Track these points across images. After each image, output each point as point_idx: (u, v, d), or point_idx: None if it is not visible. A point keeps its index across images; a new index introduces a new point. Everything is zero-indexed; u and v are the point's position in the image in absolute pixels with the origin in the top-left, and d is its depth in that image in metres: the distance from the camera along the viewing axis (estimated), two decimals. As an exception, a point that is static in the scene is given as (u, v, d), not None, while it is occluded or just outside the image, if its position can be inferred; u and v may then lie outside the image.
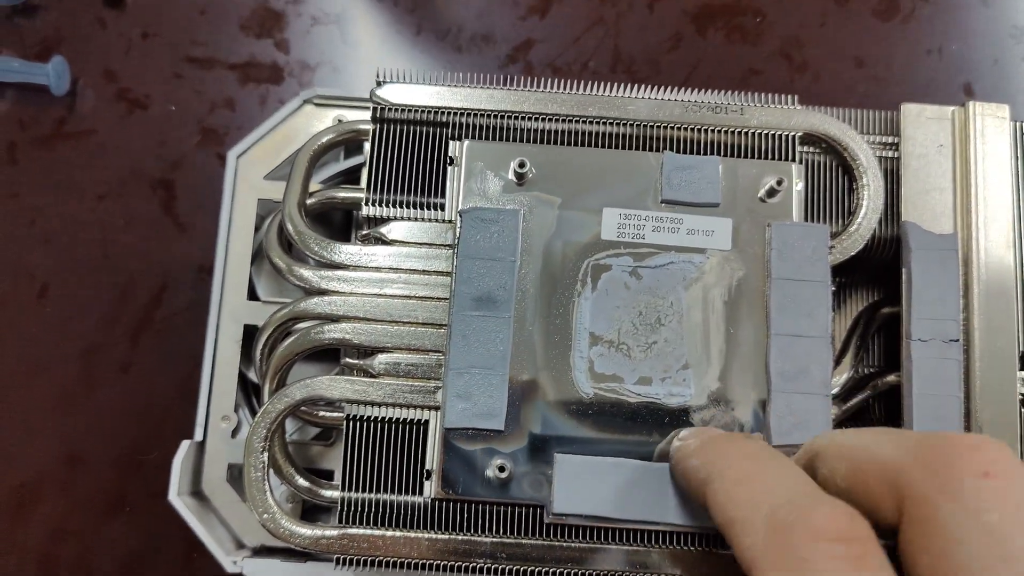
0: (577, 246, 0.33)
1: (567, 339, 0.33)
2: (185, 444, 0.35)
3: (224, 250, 0.38)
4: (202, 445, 0.37)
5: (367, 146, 0.35)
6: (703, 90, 0.36)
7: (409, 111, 0.35)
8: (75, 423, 0.43)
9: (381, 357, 0.33)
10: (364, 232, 0.35)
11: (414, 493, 0.32)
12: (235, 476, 0.37)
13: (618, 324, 0.33)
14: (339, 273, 0.34)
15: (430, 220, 0.34)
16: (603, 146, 0.35)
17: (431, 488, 0.32)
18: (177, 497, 0.34)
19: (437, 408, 0.32)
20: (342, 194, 0.36)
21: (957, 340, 0.33)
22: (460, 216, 0.33)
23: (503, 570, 0.31)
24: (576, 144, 0.35)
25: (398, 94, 0.35)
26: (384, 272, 0.34)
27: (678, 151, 0.35)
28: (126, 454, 0.43)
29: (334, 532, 0.32)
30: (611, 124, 0.35)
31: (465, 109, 0.35)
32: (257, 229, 0.39)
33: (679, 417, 0.32)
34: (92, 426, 0.43)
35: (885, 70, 0.46)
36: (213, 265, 0.38)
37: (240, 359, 0.38)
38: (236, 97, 0.46)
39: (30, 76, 0.45)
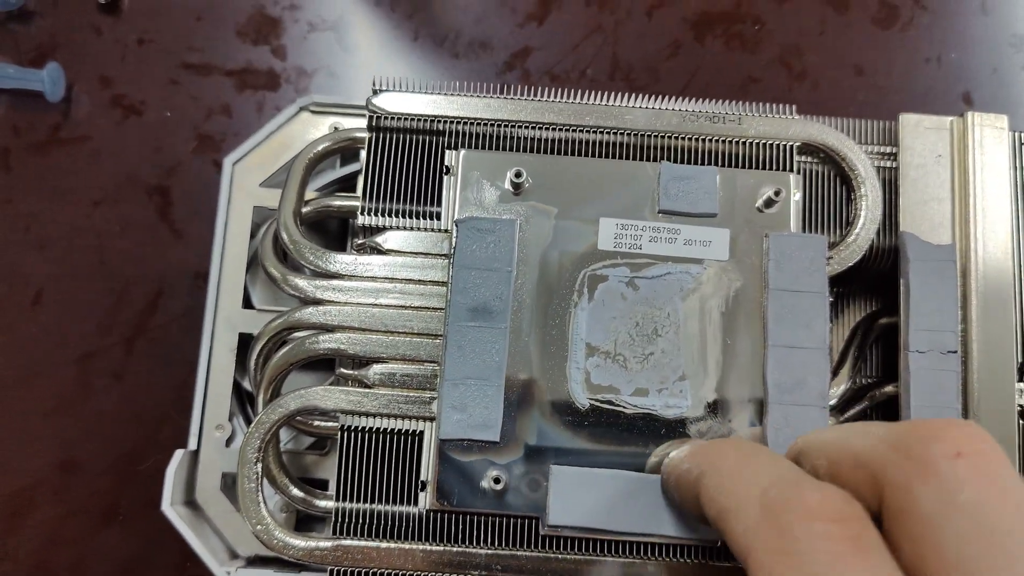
0: (574, 256, 0.33)
1: (563, 350, 0.32)
2: (179, 454, 0.35)
3: (219, 257, 0.38)
4: (196, 454, 0.37)
5: (363, 155, 0.35)
6: (702, 98, 0.35)
7: (405, 119, 0.35)
8: (69, 430, 0.43)
9: (376, 367, 0.33)
10: (360, 241, 0.35)
11: (409, 504, 0.32)
12: (229, 485, 0.37)
13: (615, 335, 0.33)
14: (334, 283, 0.33)
15: (426, 230, 0.34)
16: (600, 156, 0.34)
17: (426, 499, 0.32)
18: (170, 507, 0.34)
19: (432, 419, 0.32)
20: (338, 202, 0.36)
21: (955, 351, 0.33)
22: (456, 226, 0.33)
23: (498, 582, 0.31)
24: (573, 153, 0.34)
25: (394, 102, 0.35)
26: (380, 282, 0.33)
27: (676, 161, 0.34)
28: (120, 462, 0.42)
29: (328, 544, 0.32)
30: (608, 133, 0.35)
31: (462, 118, 0.35)
32: (253, 236, 0.38)
33: (676, 428, 0.32)
34: (86, 433, 0.43)
35: (884, 78, 0.46)
36: (208, 272, 0.38)
37: (235, 367, 0.37)
38: (232, 104, 0.46)
39: (25, 82, 0.45)
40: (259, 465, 0.32)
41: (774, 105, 0.35)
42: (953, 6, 0.47)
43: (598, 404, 0.32)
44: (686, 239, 0.33)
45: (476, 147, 0.34)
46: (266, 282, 0.38)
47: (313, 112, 0.39)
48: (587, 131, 0.35)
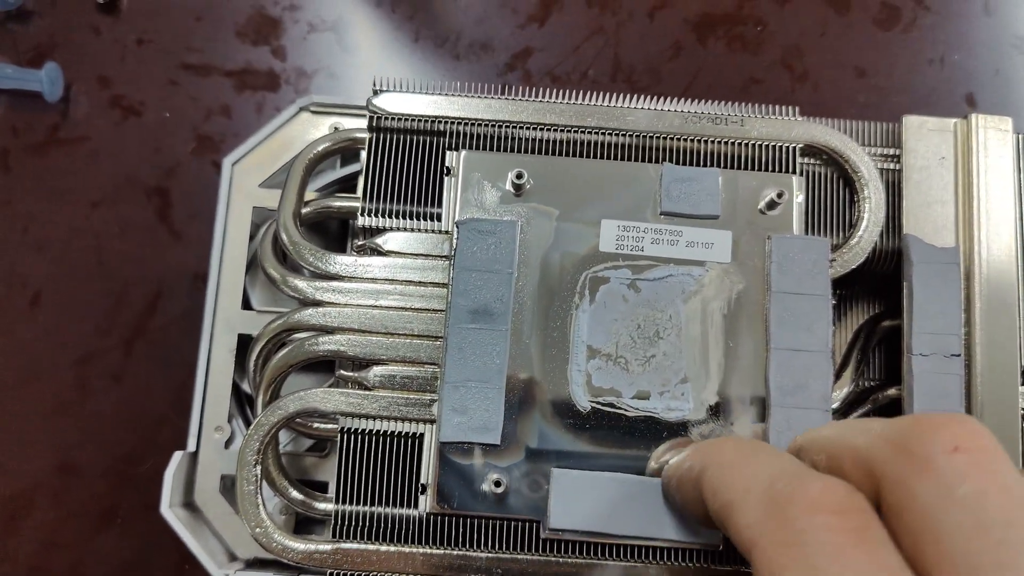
0: (575, 258, 0.33)
1: (564, 352, 0.32)
2: (177, 455, 0.35)
3: (219, 259, 0.38)
4: (195, 456, 0.36)
5: (363, 155, 0.35)
6: (703, 99, 0.35)
7: (406, 120, 0.35)
8: (68, 432, 0.42)
9: (376, 369, 0.33)
10: (360, 242, 0.34)
11: (409, 507, 0.32)
12: (228, 487, 0.37)
13: (616, 337, 0.32)
14: (334, 284, 0.33)
15: (426, 231, 0.34)
16: (602, 157, 0.34)
17: (426, 502, 0.32)
18: (169, 509, 0.34)
19: (433, 421, 0.32)
20: (338, 203, 0.36)
21: (958, 355, 0.32)
22: (457, 227, 0.33)
23: (499, 586, 0.31)
24: (575, 155, 0.34)
25: (395, 103, 0.35)
26: (380, 283, 0.33)
27: (678, 162, 0.34)
28: (119, 464, 0.42)
29: (327, 547, 0.31)
30: (610, 135, 0.35)
31: (462, 119, 0.35)
32: (252, 237, 0.38)
33: (677, 431, 0.32)
34: (85, 435, 0.42)
35: (886, 80, 0.46)
36: (207, 273, 0.38)
37: (234, 369, 0.37)
38: (232, 104, 0.46)
39: (23, 82, 0.44)
40: (258, 467, 0.32)
41: (777, 107, 0.35)
42: (955, 7, 0.47)
43: (599, 407, 0.32)
44: (688, 241, 0.33)
45: (477, 148, 0.34)
46: (266, 283, 0.38)
47: (313, 113, 0.39)
48: (588, 132, 0.35)
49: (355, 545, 0.31)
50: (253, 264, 0.38)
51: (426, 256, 0.34)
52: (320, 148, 0.36)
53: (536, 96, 0.35)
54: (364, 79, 0.46)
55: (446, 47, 0.47)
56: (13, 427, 0.43)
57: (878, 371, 0.37)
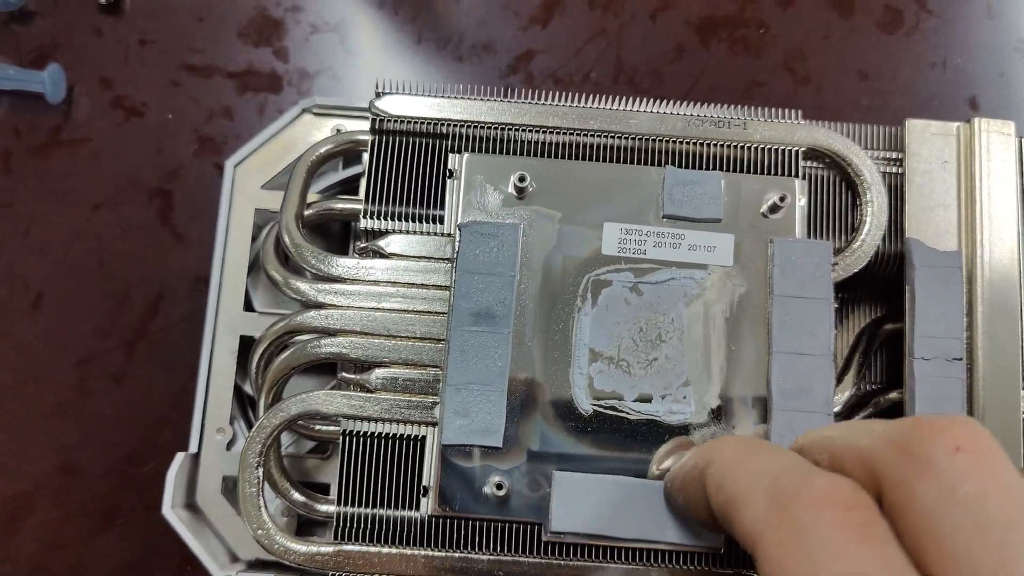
0: (577, 261, 0.33)
1: (566, 355, 0.32)
2: (179, 457, 0.35)
3: (220, 260, 0.38)
4: (196, 457, 0.36)
5: (366, 157, 0.35)
6: (706, 102, 0.35)
7: (408, 122, 0.35)
8: (69, 434, 0.42)
9: (378, 372, 0.33)
10: (362, 245, 0.34)
11: (411, 509, 0.32)
12: (230, 488, 0.37)
13: (618, 340, 0.32)
14: (336, 286, 0.33)
15: (429, 233, 0.34)
16: (604, 160, 0.34)
17: (428, 505, 0.32)
18: (171, 510, 0.34)
19: (435, 424, 0.32)
20: (340, 205, 0.36)
21: (960, 359, 0.32)
22: (459, 230, 0.33)
23: (500, 589, 0.31)
24: (577, 158, 0.34)
25: (397, 105, 0.35)
26: (382, 286, 0.33)
27: (680, 165, 0.34)
28: (120, 465, 0.42)
29: (329, 548, 0.31)
30: (612, 137, 0.35)
31: (465, 121, 0.34)
32: (254, 239, 0.38)
33: (679, 435, 0.32)
34: (86, 437, 0.42)
35: (889, 83, 0.46)
36: (209, 275, 0.38)
37: (236, 371, 0.37)
38: (234, 106, 0.46)
39: (26, 83, 0.44)
40: (260, 469, 0.32)
41: (779, 110, 0.35)
42: (958, 10, 0.47)
43: (601, 410, 0.32)
44: (690, 244, 0.33)
45: (479, 151, 0.34)
46: (267, 285, 0.38)
47: (315, 114, 0.39)
48: (591, 135, 0.35)
49: (357, 547, 0.31)
50: (255, 266, 0.38)
51: (428, 259, 0.33)
52: (322, 150, 0.36)
53: (538, 99, 0.35)
54: (366, 80, 0.46)
55: (448, 49, 0.47)
56: (14, 428, 0.43)
57: (880, 375, 0.37)
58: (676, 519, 0.29)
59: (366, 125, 0.35)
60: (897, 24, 0.47)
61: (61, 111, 0.45)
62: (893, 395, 0.35)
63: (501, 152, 0.34)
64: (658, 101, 0.35)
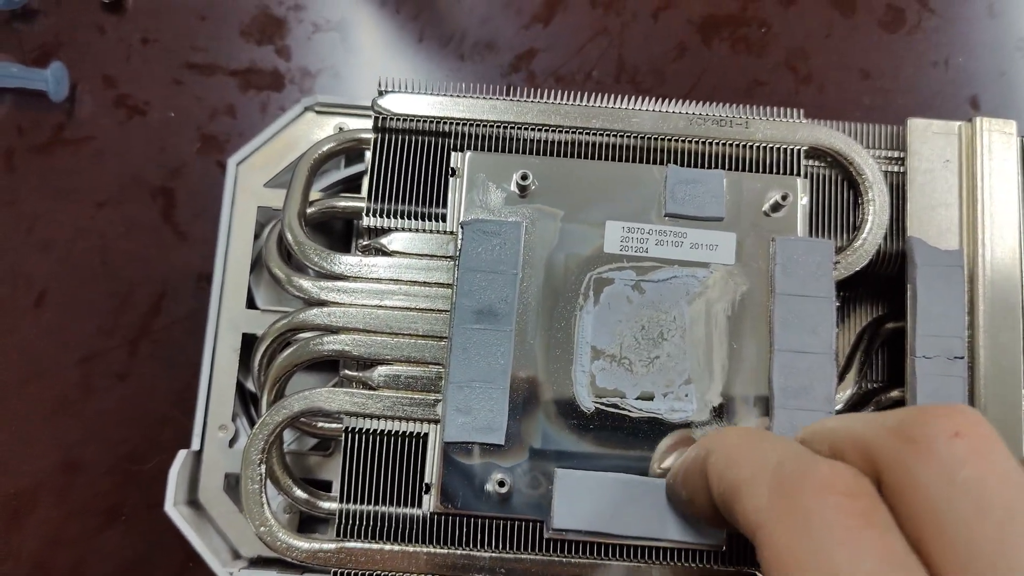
0: (579, 259, 0.33)
1: (568, 353, 0.32)
2: (182, 454, 0.35)
3: (223, 258, 0.38)
4: (199, 454, 0.37)
5: (368, 156, 0.35)
6: (708, 101, 0.35)
7: (411, 121, 0.35)
8: (72, 431, 0.43)
9: (381, 369, 0.33)
10: (364, 243, 0.34)
11: (413, 506, 0.32)
12: (232, 485, 0.37)
13: (620, 338, 0.32)
14: (339, 284, 0.33)
15: (431, 231, 0.34)
16: (607, 158, 0.34)
17: (430, 502, 0.32)
18: (173, 508, 0.34)
19: (437, 421, 0.32)
20: (343, 203, 0.36)
21: (962, 357, 0.32)
22: (461, 228, 0.33)
23: (502, 586, 0.31)
24: (579, 156, 0.34)
25: (400, 104, 0.35)
26: (384, 283, 0.33)
27: (682, 164, 0.34)
28: (123, 462, 0.42)
29: (332, 546, 0.31)
30: (614, 136, 0.35)
31: (467, 120, 0.35)
32: (257, 237, 0.38)
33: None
34: (89, 434, 0.42)
35: (891, 82, 0.46)
36: (212, 273, 0.38)
37: (238, 368, 0.37)
38: (237, 104, 0.46)
39: (28, 82, 0.44)
40: (263, 467, 0.32)
41: (781, 109, 0.35)
42: (960, 9, 0.47)
43: (603, 407, 0.32)
44: (692, 243, 0.33)
45: (482, 149, 0.34)
46: (270, 283, 0.38)
47: (318, 112, 0.39)
48: (593, 133, 0.35)
49: (359, 544, 0.32)
50: (258, 264, 0.38)
51: (431, 256, 0.34)
52: (325, 148, 0.36)
53: (540, 97, 0.35)
54: (368, 79, 0.46)
55: (450, 47, 0.47)
56: (17, 426, 0.43)
57: (881, 373, 0.37)
58: (678, 516, 0.30)
59: (368, 123, 0.35)
60: (899, 23, 0.47)
61: (64, 109, 0.45)
62: (894, 393, 0.35)
63: (503, 150, 0.34)
64: (660, 100, 0.35)
